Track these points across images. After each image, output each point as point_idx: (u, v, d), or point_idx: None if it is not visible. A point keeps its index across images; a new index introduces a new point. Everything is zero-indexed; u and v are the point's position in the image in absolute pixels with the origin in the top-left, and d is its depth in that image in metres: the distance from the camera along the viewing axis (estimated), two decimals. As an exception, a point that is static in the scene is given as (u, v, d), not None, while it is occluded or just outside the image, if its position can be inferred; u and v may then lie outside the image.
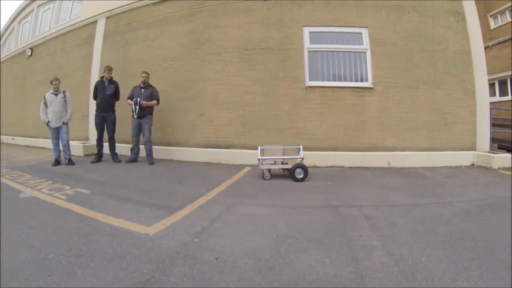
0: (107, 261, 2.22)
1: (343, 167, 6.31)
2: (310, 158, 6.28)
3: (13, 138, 14.63)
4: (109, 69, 7.58)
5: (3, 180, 5.72)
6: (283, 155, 5.50)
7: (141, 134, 7.27)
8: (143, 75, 7.22)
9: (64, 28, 11.91)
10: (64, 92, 7.39)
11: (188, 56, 7.70)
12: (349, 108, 6.56)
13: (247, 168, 6.26)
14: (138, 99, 6.99)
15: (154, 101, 7.17)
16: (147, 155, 7.19)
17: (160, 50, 8.29)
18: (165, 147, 7.89)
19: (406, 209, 3.43)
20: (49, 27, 13.19)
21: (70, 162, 7.21)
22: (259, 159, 5.26)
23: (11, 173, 6.30)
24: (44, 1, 14.05)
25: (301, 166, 5.17)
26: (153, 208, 3.54)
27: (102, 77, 7.67)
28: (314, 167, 6.29)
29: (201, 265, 2.11)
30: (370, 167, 6.31)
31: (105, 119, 7.58)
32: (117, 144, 7.77)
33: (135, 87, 7.37)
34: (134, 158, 7.35)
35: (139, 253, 2.33)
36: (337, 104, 6.58)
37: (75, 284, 1.91)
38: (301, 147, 5.56)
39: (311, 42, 6.81)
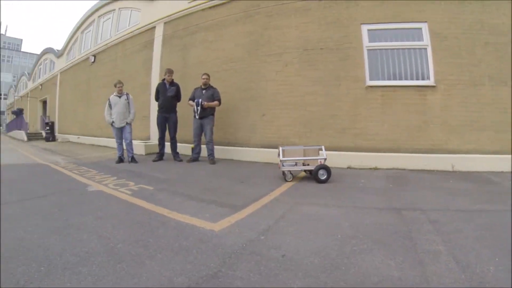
0: (174, 253, 2.28)
1: (404, 169, 6.03)
2: (371, 160, 6.15)
3: (78, 137, 15.73)
4: (169, 71, 7.79)
5: (71, 174, 6.10)
6: (304, 156, 5.34)
7: (203, 134, 7.38)
8: (204, 76, 7.32)
9: (124, 35, 12.59)
10: (127, 94, 7.75)
11: (248, 57, 7.77)
12: (410, 107, 6.26)
13: None
14: (200, 100, 7.11)
15: (216, 102, 7.25)
16: (208, 155, 7.28)
17: (219, 52, 8.42)
18: (226, 147, 7.98)
19: (472, 215, 3.21)
20: (110, 35, 13.99)
21: (133, 160, 7.50)
22: (280, 160, 5.13)
23: (78, 169, 6.73)
24: (104, 12, 14.93)
25: (324, 167, 5.04)
26: (217, 206, 3.59)
27: (163, 80, 7.89)
28: (375, 168, 6.10)
29: (267, 262, 2.11)
30: (433, 170, 5.95)
31: (167, 119, 7.80)
32: (178, 144, 7.95)
33: (196, 89, 7.52)
34: (195, 158, 7.49)
35: (205, 248, 2.37)
36: (398, 104, 6.32)
37: (143, 273, 1.97)
38: (323, 147, 5.37)
39: (370, 40, 6.62)
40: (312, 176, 5.18)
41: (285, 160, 5.17)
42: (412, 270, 1.99)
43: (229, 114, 8.00)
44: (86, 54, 15.90)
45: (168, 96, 7.73)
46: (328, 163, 6.41)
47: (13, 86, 47.75)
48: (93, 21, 16.01)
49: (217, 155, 7.50)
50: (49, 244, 2.48)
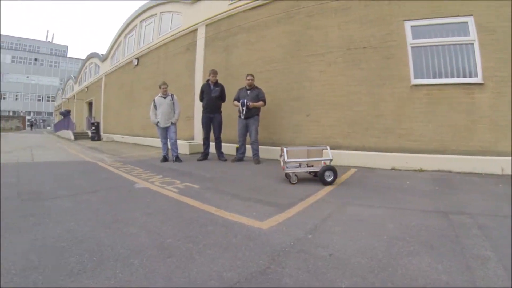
0: (223, 249, 2.32)
1: (450, 171, 5.77)
2: (416, 161, 5.99)
3: (122, 137, 16.46)
4: (213, 72, 7.92)
5: (118, 171, 6.35)
6: (308, 157, 5.20)
7: (248, 134, 7.48)
8: (249, 77, 7.42)
9: (166, 38, 13.00)
10: (172, 95, 7.94)
11: (291, 57, 7.80)
12: (457, 107, 5.97)
13: (353, 170, 6.13)
14: (245, 101, 7.20)
15: (261, 102, 7.32)
16: (253, 155, 7.31)
17: (262, 53, 8.53)
18: (270, 147, 7.98)
19: (523, 222, 3.04)
20: (152, 39, 14.52)
21: (178, 159, 7.67)
22: (285, 162, 4.94)
23: (124, 167, 6.99)
24: (146, 17, 15.52)
25: (331, 168, 4.86)
26: (263, 205, 3.61)
27: (208, 80, 8.03)
28: (420, 170, 5.91)
29: (315, 260, 2.12)
30: (481, 173, 5.60)
31: (212, 119, 7.94)
32: (222, 144, 8.08)
33: (241, 89, 7.62)
34: (240, 157, 7.58)
35: (254, 245, 2.41)
36: (444, 103, 6.06)
37: (193, 268, 2.03)
38: (328, 147, 5.18)
39: (414, 37, 6.40)
40: (316, 177, 5.05)
41: (289, 162, 5.01)
42: (460, 275, 1.95)
43: (273, 114, 8.06)
44: (130, 58, 16.62)
45: (213, 96, 7.87)
46: (372, 164, 6.41)
47: (61, 89, 50.73)
48: (136, 25, 16.69)
49: (261, 155, 7.53)
50: (100, 237, 2.61)
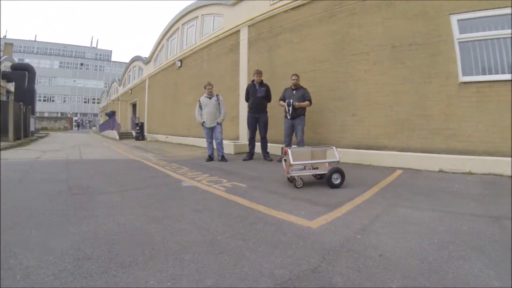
0: (273, 247, 2.36)
1: (501, 175, 5.40)
2: (464, 163, 5.75)
3: (166, 137, 17.14)
4: (258, 72, 8.03)
5: (164, 170, 6.59)
6: (312, 158, 4.95)
7: (293, 134, 7.46)
8: (294, 77, 7.40)
9: (209, 39, 13.39)
10: (217, 95, 8.13)
11: (335, 57, 7.81)
12: (509, 105, 5.56)
13: (399, 171, 6.01)
14: (291, 100, 7.18)
15: (307, 102, 7.26)
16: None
17: (306, 52, 8.56)
18: (315, 148, 7.81)
19: None
20: (195, 41, 15.03)
21: (223, 158, 7.81)
22: (291, 165, 4.66)
23: (170, 165, 7.27)
24: (188, 20, 16.08)
25: (338, 170, 4.64)
26: (311, 204, 3.66)
27: (253, 81, 8.16)
28: (469, 173, 5.66)
29: (365, 260, 2.13)
30: None
31: (258, 119, 8.06)
32: (268, 144, 8.17)
33: (286, 89, 7.63)
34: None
35: (303, 243, 2.44)
36: (495, 101, 5.72)
37: (244, 264, 2.07)
38: (334, 147, 4.98)
39: (461, 32, 6.11)
40: (322, 180, 4.93)
41: (294, 164, 4.74)
42: (514, 281, 1.89)
43: (318, 114, 8.04)
44: (173, 59, 17.26)
45: (258, 96, 7.99)
46: (418, 166, 6.23)
47: (105, 92, 53.61)
48: (178, 28, 17.35)
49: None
50: (150, 232, 2.72)
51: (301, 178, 4.74)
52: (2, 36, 63.47)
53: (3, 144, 12.55)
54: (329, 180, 4.60)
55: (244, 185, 4.88)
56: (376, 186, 4.70)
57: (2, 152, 10.62)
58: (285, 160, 4.95)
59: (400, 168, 6.29)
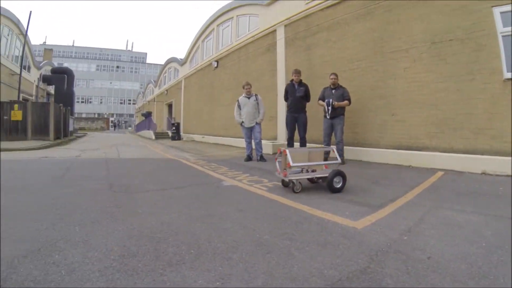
0: (321, 247, 2.39)
1: None
2: (509, 166, 5.51)
3: (203, 137, 17.63)
4: (297, 72, 7.96)
5: (203, 169, 6.69)
6: (309, 159, 4.68)
7: (333, 134, 7.41)
8: (332, 76, 7.36)
9: (245, 40, 13.68)
10: (256, 95, 8.22)
11: (374, 54, 7.76)
12: None
13: (440, 173, 5.86)
14: (331, 100, 7.16)
15: (346, 102, 7.23)
16: (338, 155, 6.75)
17: (344, 51, 8.56)
18: (354, 147, 7.98)
19: None
20: (231, 41, 15.40)
21: (262, 158, 7.91)
22: (290, 167, 4.36)
23: (208, 165, 7.40)
24: (223, 21, 16.50)
25: (340, 173, 4.38)
26: (355, 205, 3.67)
27: (292, 80, 8.09)
28: None
29: (413, 262, 2.13)
30: None
31: (297, 119, 7.98)
32: (307, 144, 8.02)
33: (325, 88, 7.59)
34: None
35: (350, 244, 2.46)
36: None
37: (293, 264, 2.09)
38: (334, 147, 4.80)
39: (505, 25, 5.77)
40: (320, 183, 4.74)
41: (293, 167, 4.41)
42: None
43: (357, 113, 7.99)
44: (209, 60, 17.75)
45: (298, 96, 7.92)
46: (460, 167, 6.03)
47: (141, 93, 55.71)
48: (213, 30, 17.82)
49: (345, 155, 7.44)
50: (195, 230, 2.75)
51: (300, 182, 4.48)
52: (42, 42, 67.40)
53: (44, 143, 13.62)
54: (331, 183, 4.34)
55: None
56: (418, 188, 4.65)
57: (44, 150, 11.63)
58: (280, 161, 4.75)
59: (441, 170, 6.16)
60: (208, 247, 2.37)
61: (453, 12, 6.38)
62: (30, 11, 29.47)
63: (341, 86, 7.46)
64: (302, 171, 4.71)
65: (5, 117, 14.91)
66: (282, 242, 2.49)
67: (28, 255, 2.20)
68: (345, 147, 7.54)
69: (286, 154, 4.35)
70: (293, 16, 10.50)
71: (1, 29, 17.94)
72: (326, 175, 4.45)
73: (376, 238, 2.61)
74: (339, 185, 4.37)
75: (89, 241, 2.49)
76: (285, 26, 11.01)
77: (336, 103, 7.17)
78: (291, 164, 4.26)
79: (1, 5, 17.40)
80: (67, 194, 4.25)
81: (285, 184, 4.73)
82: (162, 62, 33.64)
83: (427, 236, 2.66)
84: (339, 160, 4.72)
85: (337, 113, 7.24)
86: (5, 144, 11.84)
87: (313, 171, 4.75)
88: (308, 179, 4.88)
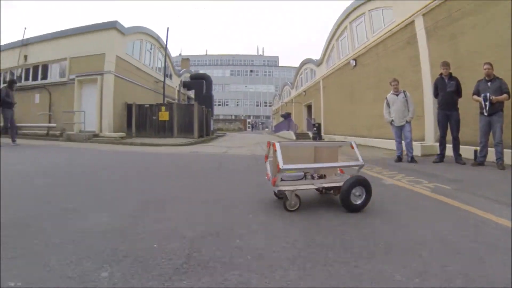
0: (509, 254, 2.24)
1: None
2: None
3: (345, 138, 17.92)
4: (445, 64, 7.57)
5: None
6: (315, 160, 3.48)
7: (490, 133, 6.78)
8: (486, 66, 6.67)
9: (383, 35, 13.55)
10: (404, 92, 7.98)
11: None
12: None
13: None
14: (488, 94, 6.54)
15: (505, 95, 6.46)
16: (497, 158, 6.57)
17: (496, 36, 7.58)
18: None
19: None
20: (367, 38, 15.47)
21: (413, 160, 7.67)
22: (282, 169, 3.00)
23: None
24: (354, 17, 16.65)
25: (362, 182, 3.11)
26: None
27: (441, 74, 7.71)
28: None
29: None
30: None
31: (449, 117, 7.58)
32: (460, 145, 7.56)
33: (479, 81, 6.93)
34: (481, 161, 6.93)
35: None
36: None
37: (487, 268, 2.01)
38: (353, 142, 3.48)
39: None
40: (340, 197, 3.18)
41: (286, 170, 3.10)
42: None
43: None
44: (346, 59, 18.08)
45: (449, 91, 7.51)
46: None
47: (277, 95, 59.18)
48: (346, 27, 18.13)
49: (505, 159, 6.62)
50: (376, 226, 2.86)
51: (296, 195, 3.15)
52: (178, 54, 77.30)
53: (189, 140, 15.90)
54: (347, 198, 3.08)
55: (447, 187, 4.75)
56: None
57: (192, 146, 13.93)
58: (271, 161, 3.52)
59: None
60: (394, 241, 2.48)
61: None
62: (168, 27, 34.93)
63: (497, 78, 6.71)
64: (305, 177, 3.48)
65: (154, 117, 18.09)
66: (467, 244, 2.45)
67: (207, 237, 2.49)
68: (504, 150, 6.70)
69: (276, 150, 3.08)
70: (430, 3, 10.03)
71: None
72: (340, 184, 3.23)
73: None
74: (358, 201, 3.17)
75: (272, 230, 2.68)
76: (423, 15, 10.55)
77: (493, 97, 6.51)
78: (281, 166, 2.98)
79: (143, 25, 21.10)
80: (229, 185, 4.98)
81: (278, 196, 3.53)
82: (293, 65, 35.21)
83: None
84: (361, 161, 3.46)
85: (495, 109, 6.58)
86: (157, 140, 14.87)
87: (320, 177, 3.55)
88: (321, 189, 3.48)
